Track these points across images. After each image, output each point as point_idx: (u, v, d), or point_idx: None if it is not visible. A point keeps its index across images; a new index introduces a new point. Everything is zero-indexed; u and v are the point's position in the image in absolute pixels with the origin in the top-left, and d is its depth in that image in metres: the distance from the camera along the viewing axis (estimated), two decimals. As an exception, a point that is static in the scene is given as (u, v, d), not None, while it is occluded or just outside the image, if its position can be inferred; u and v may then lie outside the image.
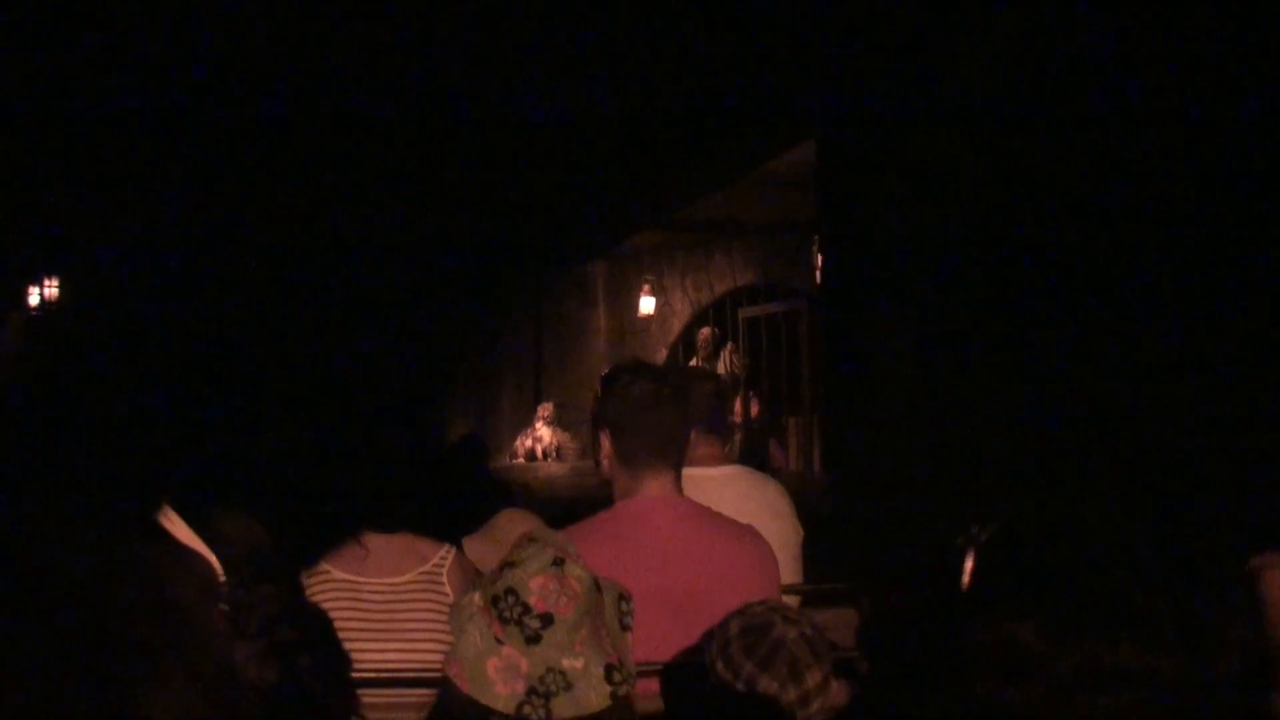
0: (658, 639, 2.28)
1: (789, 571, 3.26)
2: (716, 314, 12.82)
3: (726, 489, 3.21)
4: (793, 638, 2.01)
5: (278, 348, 11.75)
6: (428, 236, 11.72)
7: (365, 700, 2.60)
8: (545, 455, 13.12)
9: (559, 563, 1.96)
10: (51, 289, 13.73)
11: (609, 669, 1.91)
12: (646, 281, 12.55)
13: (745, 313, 12.52)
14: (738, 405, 12.55)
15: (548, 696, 1.87)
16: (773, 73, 6.56)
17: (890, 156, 5.22)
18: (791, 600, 3.29)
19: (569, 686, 1.88)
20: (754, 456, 12.53)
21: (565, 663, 1.89)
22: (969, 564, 1.10)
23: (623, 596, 2.06)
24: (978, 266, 4.79)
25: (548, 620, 1.90)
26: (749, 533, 2.77)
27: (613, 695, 1.90)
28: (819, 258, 8.08)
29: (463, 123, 9.02)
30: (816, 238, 8.28)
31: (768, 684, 1.98)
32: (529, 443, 13.30)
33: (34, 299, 13.75)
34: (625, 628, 2.04)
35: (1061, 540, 1.09)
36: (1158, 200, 4.66)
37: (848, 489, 5.77)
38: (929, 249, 4.96)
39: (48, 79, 8.44)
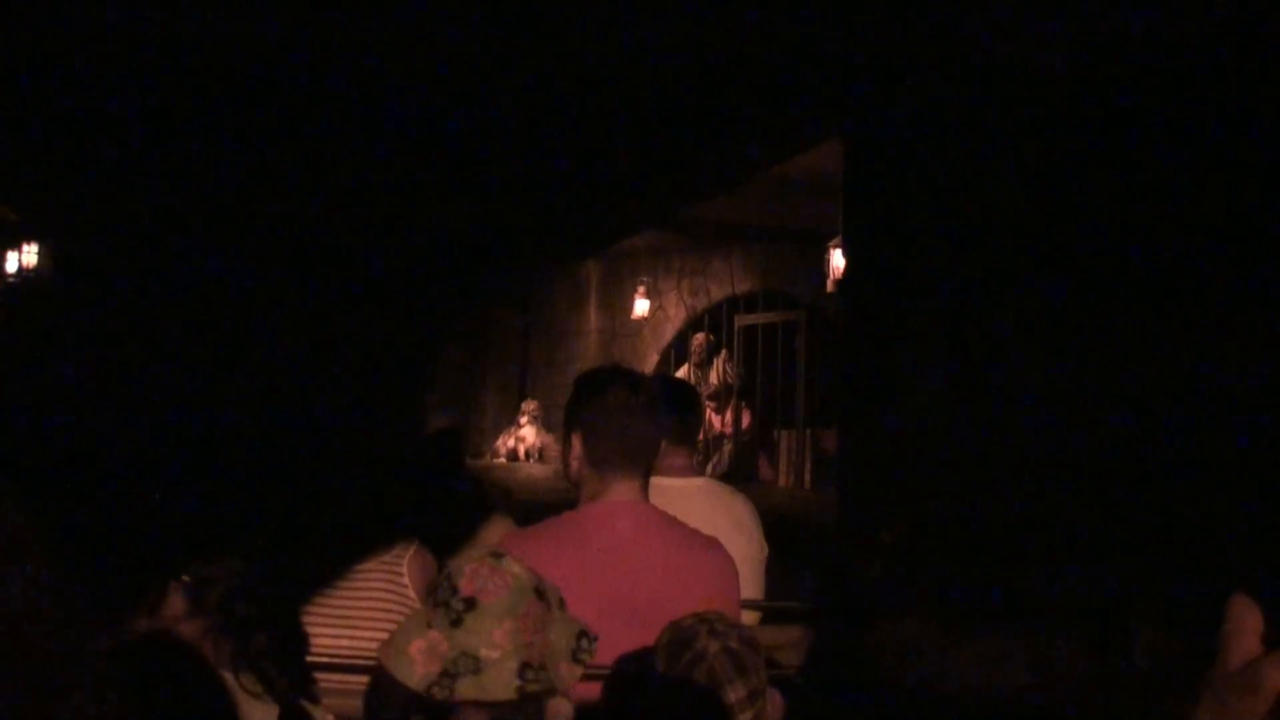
0: (614, 644, 2.29)
1: (751, 586, 3.25)
2: (712, 320, 12.49)
3: (692, 500, 3.18)
4: (714, 651, 2.01)
5: (257, 336, 11.36)
6: (412, 224, 11.33)
7: (322, 685, 2.57)
8: (528, 456, 12.76)
9: (497, 555, 2.01)
10: (30, 255, 13.28)
11: (524, 666, 1.92)
12: (642, 283, 12.20)
13: (742, 321, 12.20)
14: (728, 416, 12.25)
15: (455, 677, 1.90)
16: (797, 64, 6.23)
17: (924, 157, 4.90)
18: (750, 616, 3.36)
19: (477, 671, 1.90)
20: (743, 468, 12.24)
21: (482, 651, 1.92)
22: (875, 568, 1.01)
23: (584, 634, 2.06)
24: (1015, 273, 4.47)
25: (470, 604, 1.93)
26: (712, 544, 2.77)
27: (520, 690, 1.91)
28: (833, 264, 7.75)
29: (452, 104, 8.67)
30: (830, 243, 7.94)
31: (686, 695, 2.00)
32: (511, 442, 12.94)
33: (11, 265, 13.32)
34: (578, 661, 2.04)
35: (956, 541, 1.04)
36: (1204, 203, 4.37)
37: (857, 503, 5.42)
38: (963, 254, 4.64)
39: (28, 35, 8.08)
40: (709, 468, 12.27)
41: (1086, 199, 4.42)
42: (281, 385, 11.02)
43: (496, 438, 13.18)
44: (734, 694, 1.99)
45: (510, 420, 13.39)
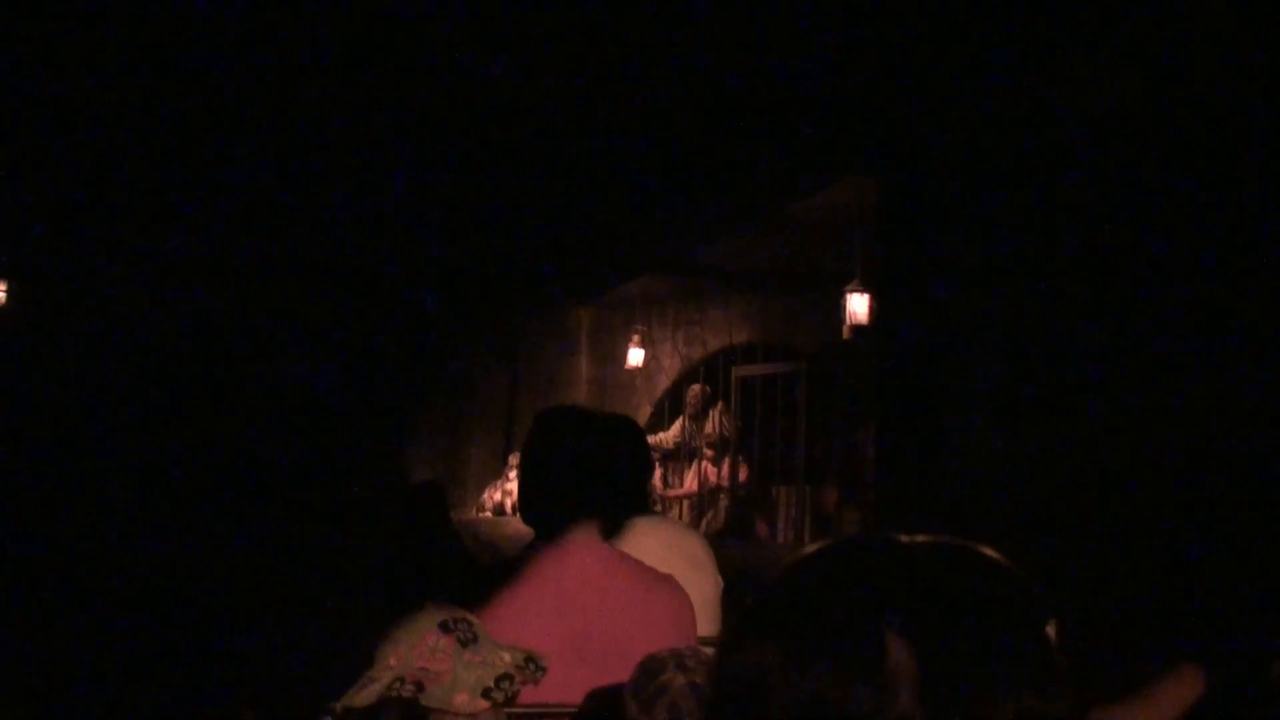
0: (571, 683, 2.36)
1: (708, 623, 3.24)
2: (708, 371, 12.03)
3: (647, 537, 3.18)
4: (679, 685, 2.02)
5: (229, 382, 10.83)
6: (396, 271, 10.83)
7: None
8: (515, 510, 12.22)
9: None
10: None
11: (397, 680, 2.06)
12: (637, 331, 11.73)
13: (740, 371, 11.74)
14: (725, 469, 11.77)
15: (361, 687, 2.06)
16: (813, 98, 5.81)
17: (966, 194, 4.46)
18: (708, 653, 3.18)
19: (369, 683, 2.07)
20: (740, 524, 11.75)
21: (377, 667, 2.09)
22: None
23: (531, 659, 2.16)
24: (1076, 319, 4.02)
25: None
26: (667, 582, 2.82)
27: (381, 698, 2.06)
28: (850, 309, 7.30)
29: (438, 145, 8.24)
30: (847, 287, 7.49)
31: None
32: (498, 495, 12.41)
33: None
34: (499, 690, 2.11)
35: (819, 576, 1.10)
36: (1265, 241, 3.95)
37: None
38: (1018, 295, 4.19)
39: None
40: (703, 523, 11.79)
41: (1150, 233, 3.98)
42: (255, 437, 10.51)
43: (482, 491, 12.65)
44: None
45: (497, 473, 12.86)
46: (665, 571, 2.83)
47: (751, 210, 7.68)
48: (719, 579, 3.55)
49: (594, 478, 2.73)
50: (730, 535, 11.50)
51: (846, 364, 10.40)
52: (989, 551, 1.07)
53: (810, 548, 1.14)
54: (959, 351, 4.43)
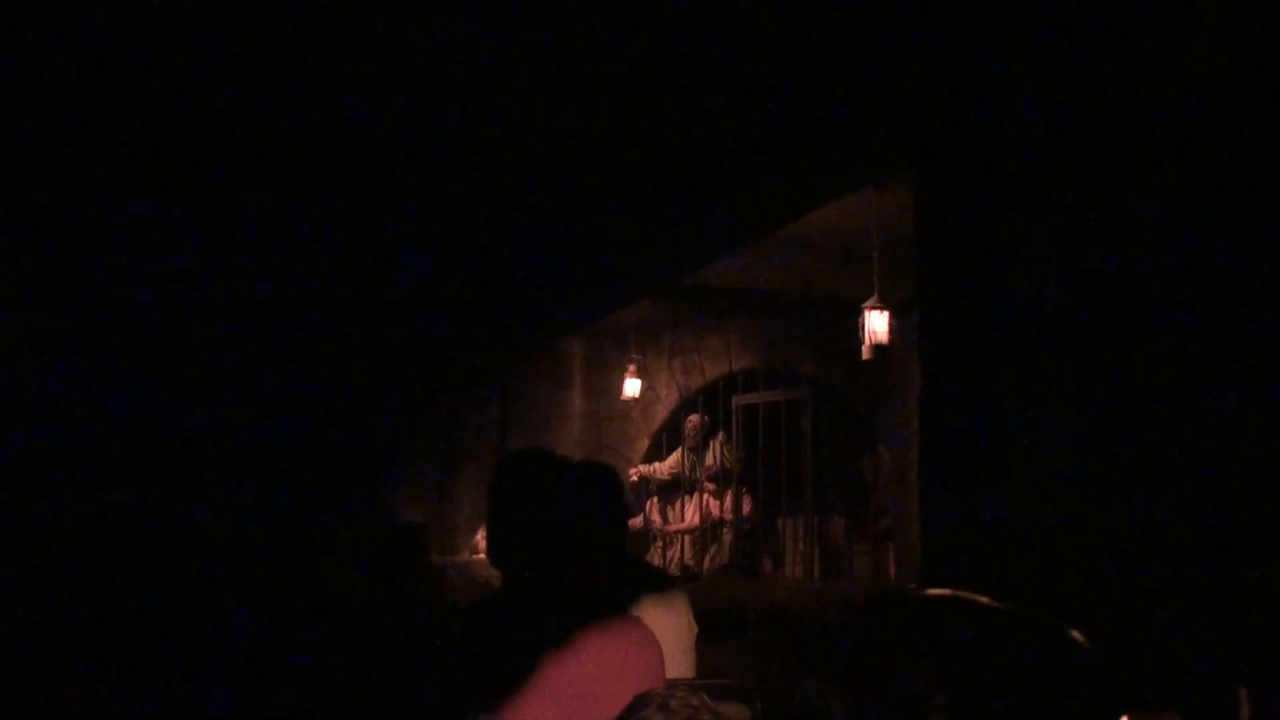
0: None
1: (680, 665, 3.34)
2: (707, 400, 11.58)
3: (620, 580, 3.14)
4: None
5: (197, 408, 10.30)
6: (380, 298, 10.35)
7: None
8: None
9: None
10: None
11: None
12: (633, 361, 11.28)
13: (740, 400, 11.31)
14: (728, 502, 11.32)
15: None
16: (830, 103, 5.40)
17: (1025, 193, 4.04)
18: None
19: None
20: (744, 559, 11.29)
21: None
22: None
23: None
24: (1159, 331, 3.60)
25: None
26: (634, 624, 2.83)
27: None
28: (869, 327, 6.88)
29: (428, 160, 7.80)
30: (865, 304, 7.07)
31: None
32: (491, 536, 11.91)
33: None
34: None
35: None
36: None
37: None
38: (1083, 308, 3.78)
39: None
40: (706, 558, 11.34)
41: (1240, 227, 3.57)
42: (237, 475, 10.03)
43: (475, 532, 12.14)
44: None
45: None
46: (637, 613, 2.90)
47: (757, 227, 7.26)
48: (693, 622, 3.64)
49: (563, 525, 2.76)
50: (735, 570, 11.05)
51: (854, 388, 9.99)
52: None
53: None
54: (1020, 363, 4.00)
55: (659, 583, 3.63)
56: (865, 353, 6.91)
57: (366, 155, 7.77)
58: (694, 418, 11.61)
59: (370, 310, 10.34)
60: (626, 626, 2.76)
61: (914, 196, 4.62)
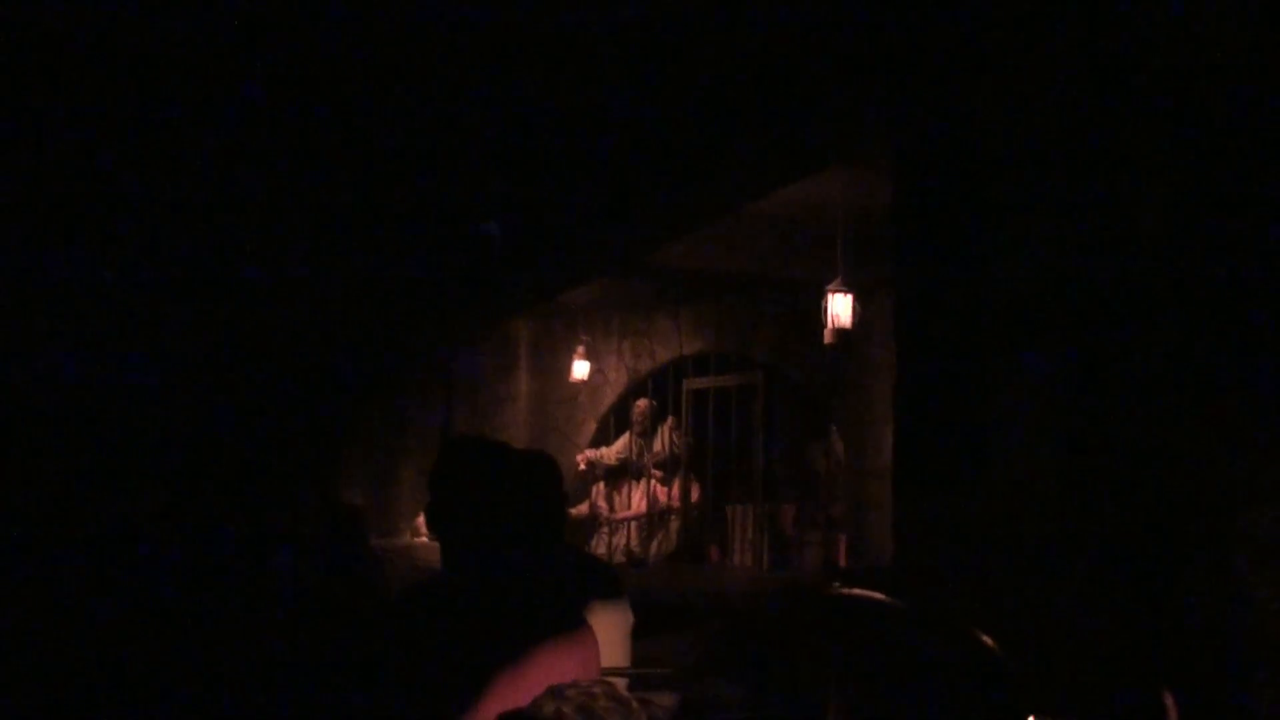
0: (474, 713, 2.50)
1: (616, 655, 3.34)
2: (657, 384, 11.33)
3: (558, 570, 3.18)
4: (548, 713, 2.08)
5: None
6: (323, 277, 9.98)
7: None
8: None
9: None
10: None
11: None
12: (581, 343, 11.01)
13: (691, 384, 11.07)
14: (675, 489, 11.09)
15: None
16: (802, 73, 5.16)
17: (1016, 171, 3.82)
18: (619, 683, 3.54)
19: None
20: (692, 547, 11.07)
21: None
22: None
23: None
24: (1154, 310, 3.39)
25: None
26: (571, 614, 2.86)
27: None
28: (832, 311, 6.65)
29: (372, 131, 7.48)
30: (829, 287, 6.85)
31: None
32: (434, 520, 11.62)
33: None
34: None
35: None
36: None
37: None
38: (1076, 297, 3.56)
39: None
40: (653, 545, 11.11)
41: (1251, 211, 3.36)
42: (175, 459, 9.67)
43: (416, 515, 11.84)
44: None
45: (431, 495, 12.07)
46: (572, 603, 2.99)
47: (719, 205, 7.00)
48: (629, 611, 3.71)
49: (501, 515, 2.78)
50: (683, 559, 10.83)
51: (810, 374, 9.79)
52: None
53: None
54: (1003, 352, 3.78)
55: (598, 572, 3.70)
56: (827, 337, 6.70)
57: (309, 129, 7.45)
58: (642, 402, 11.37)
59: (314, 291, 10.00)
60: (563, 618, 2.79)
61: (894, 172, 4.38)
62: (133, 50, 6.72)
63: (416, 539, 11.51)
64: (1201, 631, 3.41)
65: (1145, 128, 3.50)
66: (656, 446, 11.28)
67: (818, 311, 8.05)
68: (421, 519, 11.88)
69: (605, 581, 3.70)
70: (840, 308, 6.67)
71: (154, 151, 7.61)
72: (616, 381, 11.52)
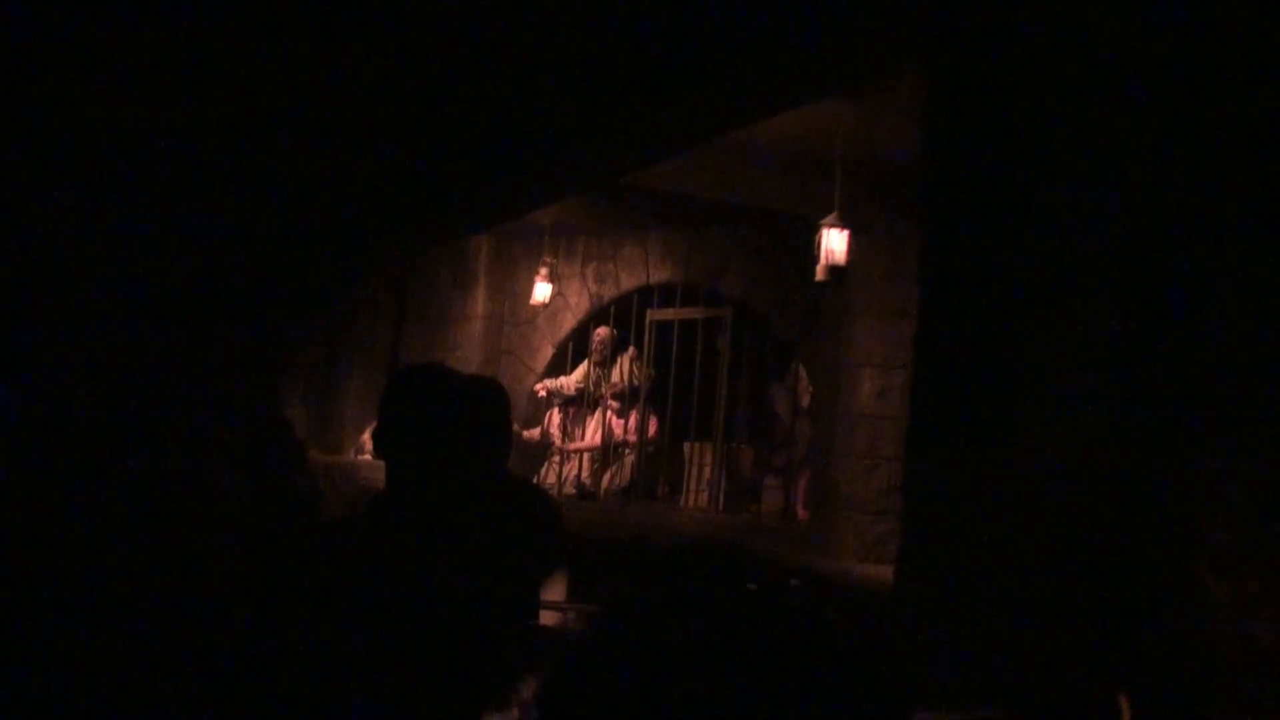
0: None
1: (552, 587, 3.45)
2: (619, 313, 10.91)
3: (500, 500, 3.18)
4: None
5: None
6: (272, 170, 9.38)
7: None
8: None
9: None
10: None
11: None
12: (545, 264, 10.54)
13: (655, 315, 10.66)
14: (632, 422, 10.71)
15: None
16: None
17: (1071, 102, 3.40)
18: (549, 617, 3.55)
19: None
20: (646, 483, 10.72)
21: None
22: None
23: None
24: (1226, 284, 3.00)
25: None
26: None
27: None
28: (827, 246, 6.23)
29: (325, 23, 6.91)
30: (824, 221, 6.43)
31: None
32: (378, 438, 11.17)
33: None
34: None
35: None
36: None
37: (922, 584, 3.88)
38: (1136, 247, 3.17)
39: None
40: (606, 478, 10.74)
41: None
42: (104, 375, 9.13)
43: (362, 431, 11.39)
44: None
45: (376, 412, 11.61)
46: (510, 533, 2.97)
47: (708, 128, 6.53)
48: (565, 543, 3.65)
49: (448, 445, 2.82)
50: (636, 494, 10.48)
51: (782, 312, 9.39)
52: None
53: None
54: (1042, 317, 3.38)
55: (538, 504, 3.60)
56: (820, 273, 6.29)
57: (267, 23, 6.88)
58: (603, 330, 10.95)
59: (260, 198, 9.43)
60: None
61: (926, 98, 3.95)
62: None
63: (361, 457, 11.07)
64: (1162, 637, 3.12)
65: (1231, 62, 3.09)
66: (615, 377, 10.88)
67: (797, 247, 7.65)
68: (367, 436, 11.43)
69: (544, 515, 3.53)
70: (836, 243, 6.26)
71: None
72: (577, 307, 11.08)
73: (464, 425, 2.88)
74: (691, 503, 10.20)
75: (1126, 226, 3.28)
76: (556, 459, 11.06)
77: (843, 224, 6.24)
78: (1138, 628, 3.12)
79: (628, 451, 10.74)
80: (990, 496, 3.57)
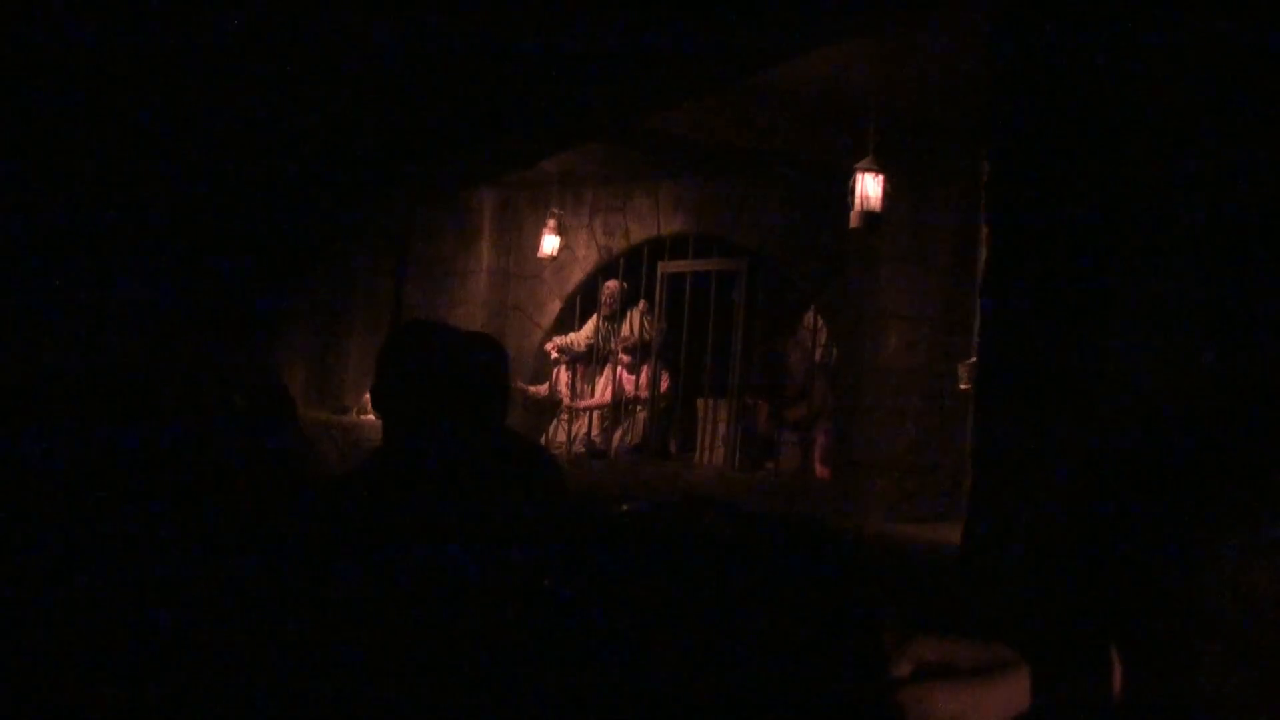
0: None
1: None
2: (630, 265, 10.57)
3: (498, 457, 3.07)
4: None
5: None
6: (267, 121, 9.02)
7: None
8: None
9: None
10: None
11: None
12: (553, 215, 10.19)
13: (667, 267, 10.33)
14: (644, 377, 10.41)
15: None
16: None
17: (1173, 34, 3.07)
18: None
19: None
20: (659, 439, 10.43)
21: None
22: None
23: None
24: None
25: None
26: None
27: None
28: (862, 192, 5.90)
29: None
30: (859, 165, 6.09)
31: None
32: (383, 398, 10.87)
33: None
34: None
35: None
36: None
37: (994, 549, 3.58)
38: (1244, 204, 2.85)
39: None
40: (616, 435, 10.45)
41: None
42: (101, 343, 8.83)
43: (364, 391, 11.07)
44: None
45: (379, 371, 11.29)
46: (505, 492, 2.93)
47: (731, 70, 6.19)
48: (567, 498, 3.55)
49: (441, 400, 2.82)
50: (649, 451, 10.18)
51: (799, 262, 9.06)
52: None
53: None
54: (1130, 269, 3.07)
55: (538, 463, 3.49)
56: (854, 220, 5.97)
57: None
58: (612, 283, 10.62)
59: (261, 146, 9.08)
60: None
61: (990, 31, 3.61)
62: None
63: (363, 416, 10.77)
64: (1160, 599, 2.80)
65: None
66: (625, 331, 10.56)
67: (814, 195, 7.33)
68: (368, 396, 11.14)
69: (545, 473, 3.46)
70: (871, 188, 5.93)
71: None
72: (586, 260, 10.74)
73: (457, 381, 2.88)
74: (706, 460, 9.92)
75: (1225, 160, 2.96)
76: (565, 416, 10.76)
77: (877, 168, 5.91)
78: (1130, 578, 2.85)
79: (639, 408, 10.45)
80: (1065, 460, 3.27)
